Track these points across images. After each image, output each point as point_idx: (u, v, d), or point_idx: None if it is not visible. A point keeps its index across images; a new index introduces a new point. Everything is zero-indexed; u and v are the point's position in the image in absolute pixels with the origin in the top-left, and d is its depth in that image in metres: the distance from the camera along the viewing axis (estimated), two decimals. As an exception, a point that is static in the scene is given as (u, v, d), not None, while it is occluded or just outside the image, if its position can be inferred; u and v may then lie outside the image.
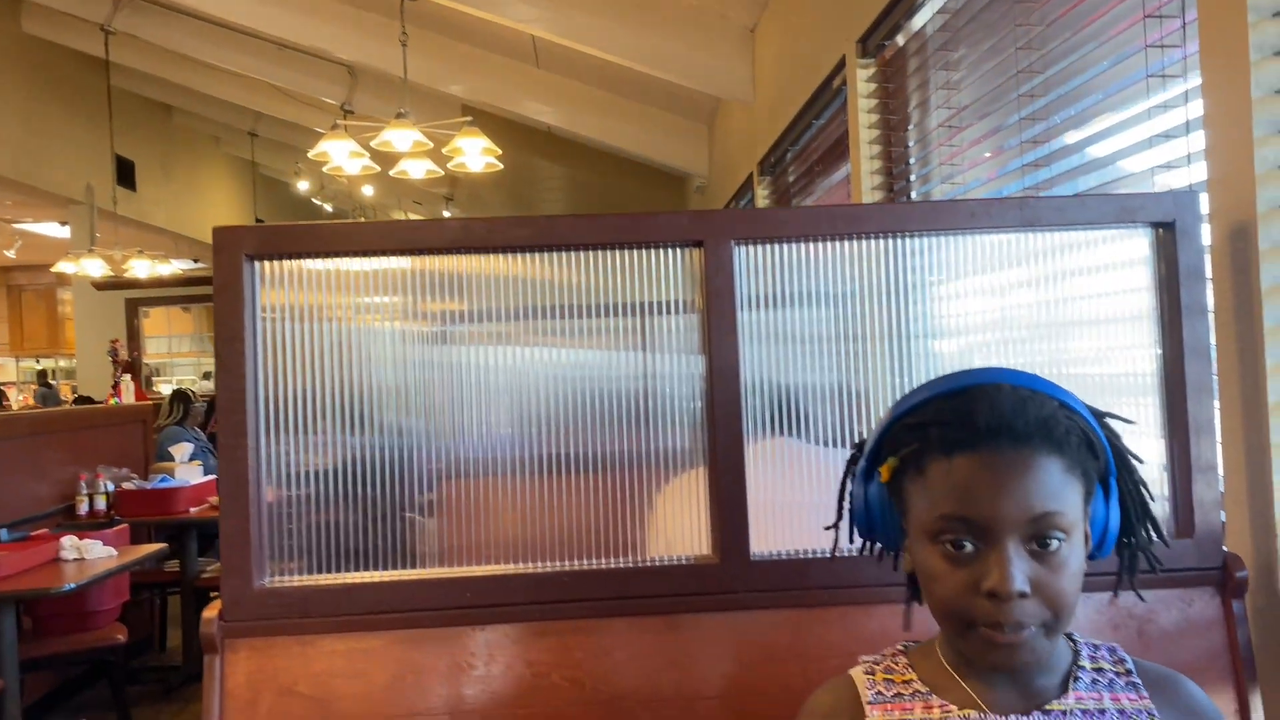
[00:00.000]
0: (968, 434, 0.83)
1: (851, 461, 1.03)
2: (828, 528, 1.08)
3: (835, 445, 1.37)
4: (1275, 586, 1.37)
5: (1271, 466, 1.36)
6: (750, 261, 1.37)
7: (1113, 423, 0.98)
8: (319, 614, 1.30)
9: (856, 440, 1.03)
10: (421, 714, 1.29)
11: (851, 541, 1.06)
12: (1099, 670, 0.95)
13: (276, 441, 1.33)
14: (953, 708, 0.89)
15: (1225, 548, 1.36)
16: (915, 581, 0.95)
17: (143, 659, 4.92)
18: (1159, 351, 1.38)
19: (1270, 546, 1.37)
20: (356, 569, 1.34)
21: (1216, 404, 1.39)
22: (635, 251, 1.36)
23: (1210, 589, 1.34)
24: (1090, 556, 0.92)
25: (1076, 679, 0.92)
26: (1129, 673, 0.95)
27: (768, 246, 1.37)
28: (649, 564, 1.35)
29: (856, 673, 0.98)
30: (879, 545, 1.02)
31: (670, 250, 1.36)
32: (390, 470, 1.35)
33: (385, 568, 1.34)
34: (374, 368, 1.35)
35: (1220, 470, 1.40)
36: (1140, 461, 0.96)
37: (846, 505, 1.03)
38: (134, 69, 7.91)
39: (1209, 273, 1.45)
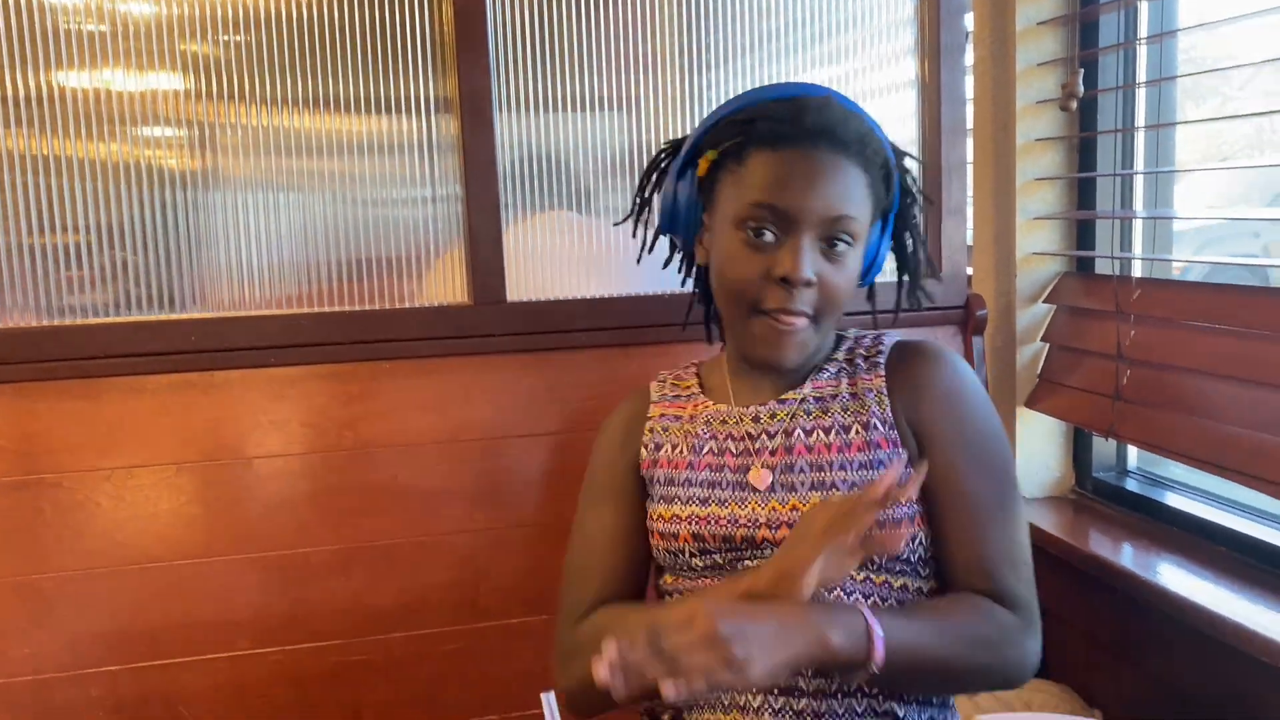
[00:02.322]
0: (794, 130, 0.88)
1: (667, 155, 1.03)
2: (618, 223, 1.09)
3: (609, 214, 1.32)
4: (1013, 326, 1.43)
5: (1016, 209, 1.40)
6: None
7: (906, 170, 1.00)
8: (17, 360, 1.16)
9: (667, 142, 1.04)
10: (140, 466, 1.18)
11: (647, 250, 1.07)
12: (850, 360, 0.97)
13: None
14: (709, 403, 0.98)
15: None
16: (702, 280, 1.01)
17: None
18: (916, 93, 1.38)
19: (1010, 287, 1.43)
20: (65, 316, 1.19)
21: (970, 147, 1.42)
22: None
23: (953, 327, 1.39)
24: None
25: (822, 370, 0.96)
26: (880, 353, 0.96)
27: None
28: (397, 308, 1.27)
29: (653, 382, 1.07)
30: (674, 242, 1.06)
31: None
32: (98, 198, 1.19)
33: (100, 314, 1.20)
34: (79, 78, 1.18)
35: (970, 212, 1.44)
36: (931, 202, 1.00)
37: (657, 203, 1.03)
38: None
39: (970, 23, 1.45)
